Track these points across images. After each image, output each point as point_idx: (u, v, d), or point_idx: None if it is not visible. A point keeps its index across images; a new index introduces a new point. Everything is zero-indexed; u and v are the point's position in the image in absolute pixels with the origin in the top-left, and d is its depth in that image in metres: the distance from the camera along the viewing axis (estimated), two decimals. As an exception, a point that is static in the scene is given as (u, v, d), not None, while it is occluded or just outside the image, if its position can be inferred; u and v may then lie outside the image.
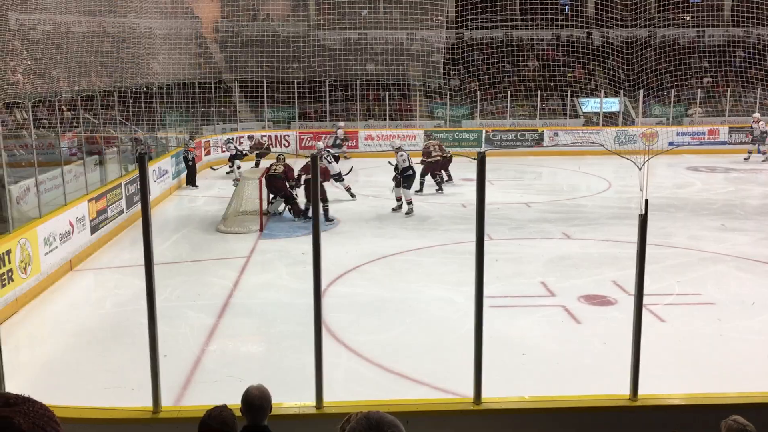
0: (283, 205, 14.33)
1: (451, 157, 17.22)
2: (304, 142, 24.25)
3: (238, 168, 18.55)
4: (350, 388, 6.64)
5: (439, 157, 16.79)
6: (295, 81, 25.63)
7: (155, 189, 15.76)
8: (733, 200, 16.05)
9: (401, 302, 9.22)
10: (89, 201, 11.77)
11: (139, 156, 3.91)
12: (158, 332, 4.42)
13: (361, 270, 10.70)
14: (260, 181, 13.71)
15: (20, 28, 20.59)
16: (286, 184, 14.07)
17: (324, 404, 4.44)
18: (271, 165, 14.40)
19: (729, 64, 27.63)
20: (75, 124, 15.30)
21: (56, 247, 10.24)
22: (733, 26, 28.76)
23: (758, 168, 21.00)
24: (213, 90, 24.78)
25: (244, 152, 20.34)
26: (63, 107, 16.42)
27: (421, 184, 16.54)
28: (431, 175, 16.96)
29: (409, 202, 14.52)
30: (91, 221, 11.74)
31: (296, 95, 25.42)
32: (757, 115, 23.20)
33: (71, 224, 10.90)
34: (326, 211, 13.57)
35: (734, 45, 28.81)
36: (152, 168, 15.70)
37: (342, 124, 21.03)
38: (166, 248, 11.96)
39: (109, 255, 11.79)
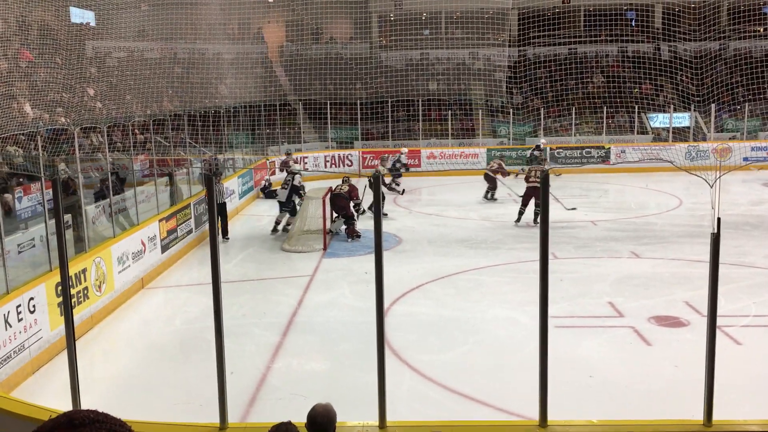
0: (344, 224, 14.48)
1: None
2: (366, 162, 24.43)
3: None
4: (413, 407, 6.60)
5: (537, 183, 16.06)
6: (358, 101, 25.92)
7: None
8: (813, 217, 15.34)
9: (464, 322, 9.13)
10: (160, 221, 12.15)
11: (206, 177, 4.01)
12: (225, 349, 4.50)
13: (424, 289, 10.67)
14: (324, 201, 13.88)
15: (96, 55, 21.55)
16: (350, 203, 14.22)
17: (387, 423, 4.42)
18: (337, 185, 14.61)
19: (806, 76, 26.50)
20: (147, 146, 15.86)
21: (129, 266, 10.59)
22: (811, 36, 27.66)
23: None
24: (278, 111, 25.30)
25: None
26: (136, 130, 17.05)
27: (521, 213, 15.32)
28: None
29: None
30: (161, 240, 12.10)
31: (359, 115, 25.69)
32: None
33: (143, 243, 11.26)
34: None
35: (812, 56, 27.70)
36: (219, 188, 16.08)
37: (405, 150, 20.83)
38: (232, 267, 12.22)
39: (179, 273, 12.11)
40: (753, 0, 27.36)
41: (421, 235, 14.46)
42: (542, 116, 25.84)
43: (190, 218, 13.83)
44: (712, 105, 24.86)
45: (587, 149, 24.77)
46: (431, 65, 29.11)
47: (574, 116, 25.56)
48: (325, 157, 24.45)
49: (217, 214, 12.16)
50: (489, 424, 4.75)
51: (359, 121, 25.78)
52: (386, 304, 9.61)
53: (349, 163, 24.72)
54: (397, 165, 19.87)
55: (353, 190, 14.39)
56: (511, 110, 25.92)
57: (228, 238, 14.17)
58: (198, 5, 23.35)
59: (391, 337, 8.42)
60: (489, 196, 18.36)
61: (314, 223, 14.21)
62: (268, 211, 18.13)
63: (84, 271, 9.07)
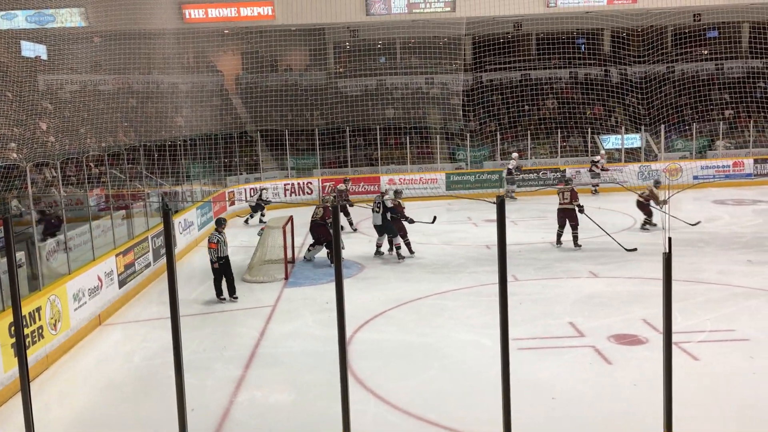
0: (325, 249, 14.49)
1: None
2: (326, 189, 24.45)
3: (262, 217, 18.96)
4: (379, 437, 6.56)
5: (566, 204, 15.48)
6: (316, 129, 26.00)
7: (181, 241, 15.94)
8: (762, 233, 15.80)
9: (428, 347, 9.14)
10: (117, 255, 11.94)
11: (163, 211, 3.99)
12: (186, 385, 4.43)
13: (387, 315, 10.66)
14: (284, 230, 13.82)
15: (49, 89, 21.25)
16: (328, 227, 14.24)
17: (352, 455, 4.39)
18: (313, 212, 14.83)
19: (750, 96, 27.51)
20: (102, 180, 15.64)
21: (85, 303, 10.36)
22: (752, 58, 28.73)
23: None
24: (236, 141, 25.21)
25: (268, 201, 20.64)
26: (91, 164, 16.80)
27: (559, 236, 15.35)
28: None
29: (398, 246, 14.54)
30: (119, 275, 11.88)
31: (318, 143, 25.75)
32: None
33: (100, 279, 11.04)
34: (398, 247, 14.54)
35: (754, 77, 28.74)
36: (178, 220, 15.91)
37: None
38: (193, 299, 12.04)
39: (138, 308, 11.89)
40: (696, 24, 28.38)
41: (383, 261, 14.47)
42: (498, 140, 26.23)
43: (148, 251, 13.62)
44: (662, 126, 25.58)
45: (543, 171, 25.20)
46: (388, 92, 29.41)
47: (529, 140, 26.01)
48: (285, 185, 24.39)
49: (221, 270, 11.34)
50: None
51: (318, 149, 25.84)
52: (349, 332, 9.59)
53: (309, 191, 24.69)
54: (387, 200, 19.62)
55: (327, 213, 14.44)
56: (467, 135, 26.28)
57: (236, 297, 11.94)
58: (152, 37, 23.29)
59: (355, 365, 8.38)
60: (646, 226, 16.76)
61: (275, 252, 14.13)
62: (229, 241, 17.93)
63: (38, 309, 8.85)
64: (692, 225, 16.37)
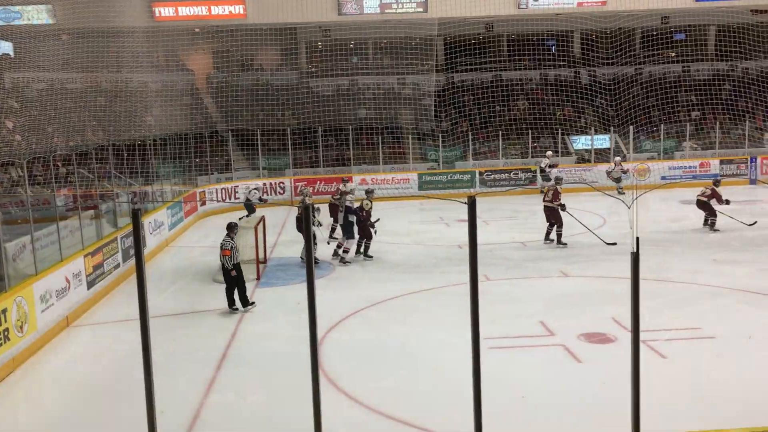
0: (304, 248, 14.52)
1: None
2: (298, 189, 24.36)
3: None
4: (351, 438, 6.56)
5: (547, 202, 15.66)
6: (288, 129, 25.90)
7: (151, 241, 15.77)
8: (727, 232, 16.10)
9: (401, 347, 9.17)
10: (85, 256, 11.77)
11: (132, 211, 3.95)
12: (156, 387, 4.39)
13: (360, 315, 10.66)
14: (256, 230, 13.75)
15: (15, 87, 20.87)
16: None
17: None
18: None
19: (717, 98, 28.01)
20: (70, 179, 15.40)
21: (52, 304, 10.20)
22: (718, 60, 29.26)
23: (752, 199, 21.10)
24: (207, 140, 25.00)
25: (263, 200, 20.28)
26: (58, 163, 16.53)
27: (547, 233, 15.50)
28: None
29: (346, 251, 14.42)
30: (87, 276, 11.71)
31: (290, 143, 25.65)
32: None
33: (67, 280, 10.87)
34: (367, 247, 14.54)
35: (720, 79, 29.28)
36: (148, 220, 15.73)
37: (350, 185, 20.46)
38: (163, 301, 11.91)
39: (107, 310, 11.73)
40: (664, 27, 28.82)
41: (355, 262, 14.46)
42: (470, 140, 26.38)
43: (118, 252, 13.45)
44: (630, 127, 25.94)
45: (514, 171, 25.40)
46: (360, 92, 29.40)
47: (501, 140, 26.20)
48: (256, 185, 24.24)
49: (234, 280, 10.85)
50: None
51: (290, 149, 25.73)
52: (322, 332, 9.58)
53: (281, 191, 24.59)
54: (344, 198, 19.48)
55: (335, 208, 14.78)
56: (440, 135, 26.38)
57: (253, 303, 11.23)
58: (122, 35, 23.00)
59: (327, 366, 8.37)
60: (709, 223, 16.50)
61: (247, 252, 14.03)
62: (200, 242, 17.81)
63: (4, 311, 8.69)
64: (749, 225, 16.23)
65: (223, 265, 11.07)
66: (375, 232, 14.57)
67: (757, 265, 12.71)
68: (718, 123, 26.85)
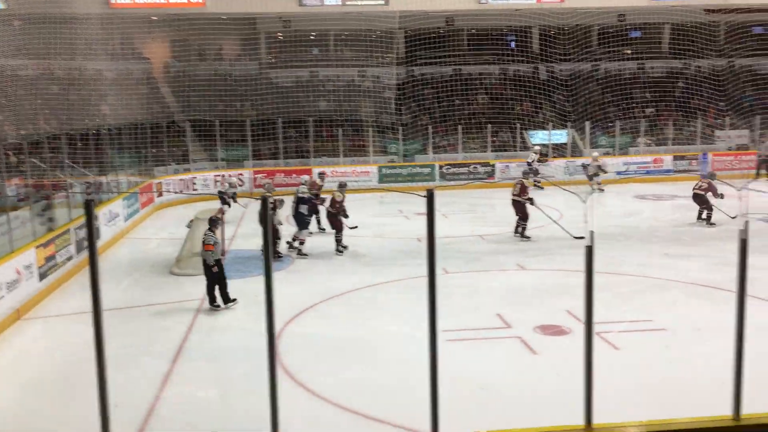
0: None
1: None
2: (257, 181, 24.16)
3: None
4: (309, 431, 6.56)
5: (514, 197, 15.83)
6: (248, 120, 25.63)
7: (106, 233, 15.48)
8: (679, 227, 16.50)
9: (359, 340, 9.19)
10: (37, 247, 11.50)
11: (85, 202, 3.87)
12: (110, 381, 4.31)
13: (318, 309, 10.65)
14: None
15: (-37, 73, 20.24)
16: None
17: (282, 449, 4.37)
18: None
19: (670, 95, 28.64)
20: (22, 168, 15.01)
21: (3, 296, 9.95)
22: (672, 59, 29.89)
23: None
24: (165, 131, 24.60)
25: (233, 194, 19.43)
26: (9, 152, 16.10)
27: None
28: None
29: (302, 242, 14.41)
30: (39, 268, 11.45)
31: (249, 134, 25.39)
32: None
33: (18, 272, 10.61)
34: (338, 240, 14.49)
35: (674, 76, 29.93)
36: (102, 211, 15.43)
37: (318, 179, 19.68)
38: (119, 293, 11.72)
39: (59, 302, 11.49)
40: (620, 24, 29.33)
41: (314, 254, 14.42)
42: (430, 134, 26.49)
43: (71, 244, 13.17)
44: (587, 122, 26.36)
45: (474, 165, 25.60)
46: (321, 84, 29.26)
47: (460, 134, 26.37)
48: (215, 177, 23.96)
49: (216, 276, 10.52)
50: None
51: (250, 141, 25.48)
52: (280, 325, 9.54)
53: (241, 183, 24.34)
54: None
55: (334, 202, 14.63)
56: (400, 128, 26.42)
57: (235, 300, 10.83)
58: (75, 21, 22.43)
59: (285, 359, 8.34)
60: (705, 217, 16.51)
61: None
62: (156, 233, 17.55)
63: (-49, 304, 8.44)
64: (732, 218, 15.98)
65: (204, 261, 10.62)
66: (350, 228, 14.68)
67: (706, 259, 13.05)
68: (671, 120, 27.46)
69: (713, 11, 27.67)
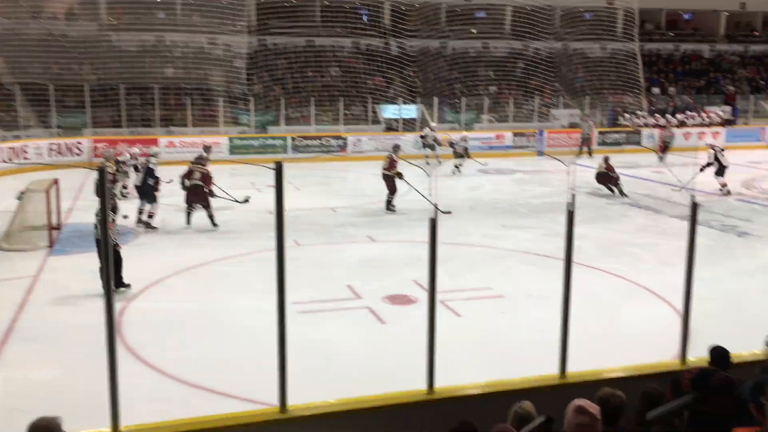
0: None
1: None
2: (98, 150, 22.78)
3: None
4: (155, 409, 6.35)
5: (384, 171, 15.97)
6: (86, 85, 24.01)
7: None
8: (516, 200, 17.53)
9: (208, 314, 9.02)
10: None
11: None
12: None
13: (164, 283, 10.31)
14: (48, 194, 12.71)
15: None
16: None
17: (123, 429, 4.25)
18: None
19: (511, 74, 30.13)
20: None
21: None
22: (514, 39, 31.40)
23: (539, 170, 23.06)
24: (-10, 94, 22.52)
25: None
26: None
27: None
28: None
29: (151, 215, 14.00)
30: None
31: (88, 100, 23.82)
32: None
33: None
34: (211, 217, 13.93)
35: (515, 57, 31.48)
36: None
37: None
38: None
39: None
40: (467, 4, 30.36)
41: (160, 227, 13.89)
42: (283, 105, 26.18)
43: None
44: (435, 98, 27.17)
45: (326, 138, 25.65)
46: (168, 49, 27.94)
47: (313, 106, 26.28)
48: (50, 145, 22.32)
49: (113, 258, 9.50)
50: (231, 416, 4.78)
51: (88, 107, 23.90)
52: (123, 301, 9.15)
53: (78, 152, 22.84)
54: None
55: (207, 177, 14.03)
56: (252, 98, 25.89)
57: (128, 285, 9.85)
58: None
59: (129, 337, 8.03)
60: (619, 191, 17.86)
61: (37, 218, 12.95)
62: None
63: None
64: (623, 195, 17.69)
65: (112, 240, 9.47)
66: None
67: (539, 230, 13.97)
68: (512, 98, 28.93)
69: (550, -5, 29.34)
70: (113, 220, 10.01)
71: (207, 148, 17.51)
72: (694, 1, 34.20)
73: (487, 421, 4.21)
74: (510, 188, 19.61)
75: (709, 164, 18.18)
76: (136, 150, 18.42)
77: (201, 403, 6.59)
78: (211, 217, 13.94)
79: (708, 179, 18.17)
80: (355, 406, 4.81)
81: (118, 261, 9.65)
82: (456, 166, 21.59)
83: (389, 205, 15.69)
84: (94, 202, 14.87)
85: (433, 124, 24.83)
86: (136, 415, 5.31)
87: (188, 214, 13.99)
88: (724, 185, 17.97)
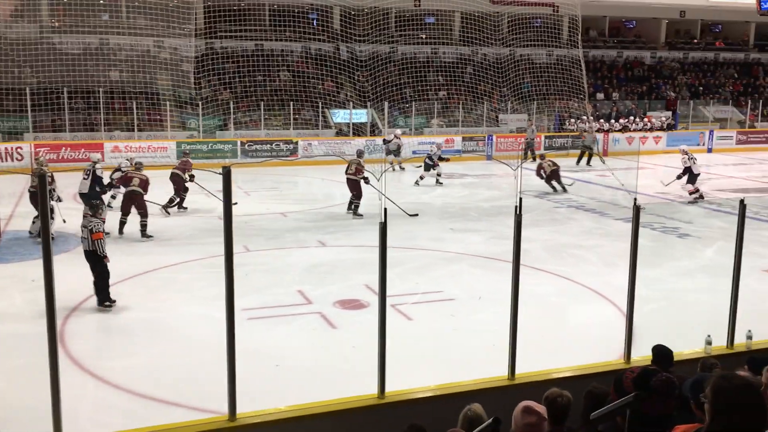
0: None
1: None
2: (40, 156, 22.12)
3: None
4: (98, 420, 6.22)
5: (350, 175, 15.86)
6: (27, 88, 23.32)
7: None
8: (466, 204, 17.69)
9: (156, 322, 8.85)
10: None
11: None
12: None
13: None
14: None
15: None
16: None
17: (66, 441, 4.13)
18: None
19: (460, 80, 30.43)
20: None
21: None
22: (462, 45, 31.74)
23: (488, 173, 23.34)
24: None
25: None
26: None
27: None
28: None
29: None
30: None
31: (29, 104, 23.13)
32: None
33: None
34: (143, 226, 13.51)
35: (464, 62, 31.83)
36: None
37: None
38: None
39: None
40: (416, 9, 30.57)
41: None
42: (232, 109, 25.90)
43: None
44: (385, 103, 27.26)
45: (276, 143, 25.47)
46: (112, 52, 27.34)
47: (263, 110, 26.07)
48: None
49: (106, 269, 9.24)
50: (177, 426, 4.69)
51: (29, 111, 23.21)
52: (65, 311, 8.90)
53: (19, 158, 22.15)
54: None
55: (145, 184, 13.84)
56: (200, 103, 25.54)
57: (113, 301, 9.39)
58: None
59: (73, 347, 7.82)
60: (562, 187, 19.33)
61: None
62: None
63: None
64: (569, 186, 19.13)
65: (94, 251, 9.21)
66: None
67: (488, 233, 14.12)
68: (461, 103, 29.22)
69: (497, 2, 29.75)
70: (102, 230, 9.57)
71: (186, 154, 17.81)
72: (637, 9, 35.11)
73: (438, 424, 4.24)
74: (460, 192, 19.79)
75: (685, 171, 18.35)
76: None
77: (147, 413, 6.45)
78: (143, 226, 13.40)
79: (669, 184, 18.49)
80: (306, 412, 4.78)
81: (105, 274, 9.32)
82: (438, 175, 20.91)
83: (356, 210, 15.62)
84: (34, 211, 14.51)
85: (398, 131, 24.86)
86: (81, 427, 5.19)
87: (121, 224, 13.50)
88: (695, 191, 18.23)
